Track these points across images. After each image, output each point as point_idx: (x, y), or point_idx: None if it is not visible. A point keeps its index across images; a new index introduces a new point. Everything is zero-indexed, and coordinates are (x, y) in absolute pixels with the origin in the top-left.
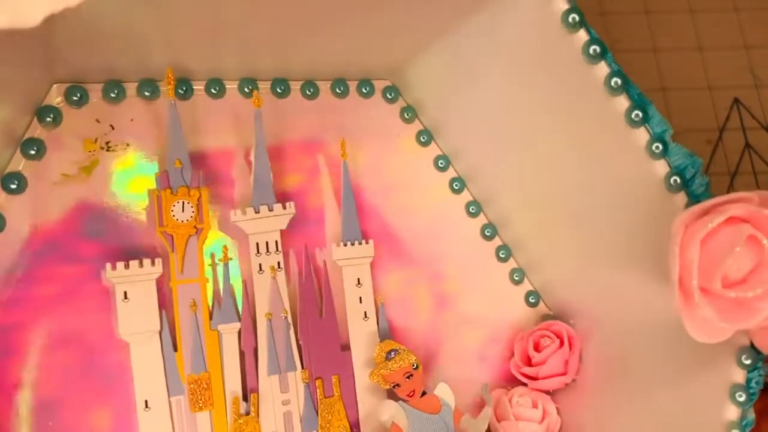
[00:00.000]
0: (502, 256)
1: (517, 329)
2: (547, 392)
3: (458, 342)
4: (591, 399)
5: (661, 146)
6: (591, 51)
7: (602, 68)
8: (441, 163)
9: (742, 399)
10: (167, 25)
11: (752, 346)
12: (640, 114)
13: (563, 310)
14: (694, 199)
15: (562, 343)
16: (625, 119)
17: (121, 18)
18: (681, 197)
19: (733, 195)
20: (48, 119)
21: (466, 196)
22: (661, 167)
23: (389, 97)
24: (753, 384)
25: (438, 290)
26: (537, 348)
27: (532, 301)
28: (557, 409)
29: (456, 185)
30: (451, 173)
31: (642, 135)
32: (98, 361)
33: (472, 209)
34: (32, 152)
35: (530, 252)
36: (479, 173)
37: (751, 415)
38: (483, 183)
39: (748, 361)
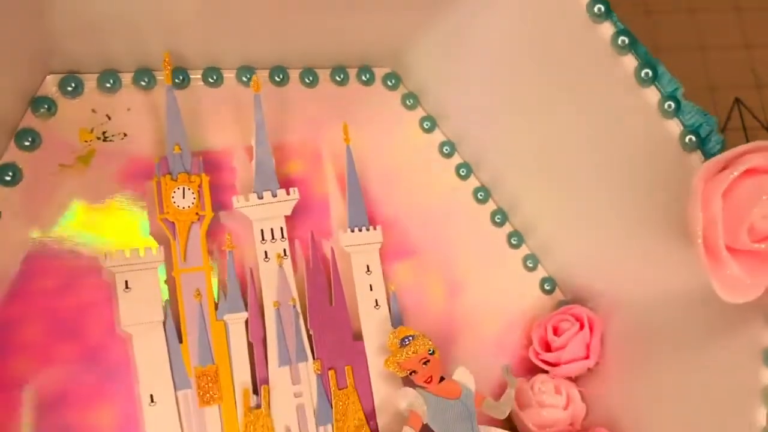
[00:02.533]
0: (514, 242)
1: (533, 317)
2: (570, 378)
3: (474, 330)
4: (617, 382)
5: (673, 104)
6: (595, 10)
7: (607, 28)
8: (446, 149)
9: None
10: (163, 12)
11: None
12: (650, 72)
13: (580, 294)
14: (710, 158)
15: (582, 327)
16: (635, 78)
17: (116, 5)
18: (697, 157)
19: (751, 144)
20: (42, 110)
21: (473, 182)
22: (675, 127)
23: (390, 84)
24: None
25: (450, 278)
26: (556, 332)
27: (548, 288)
28: (581, 394)
29: (462, 171)
30: (456, 159)
31: (653, 94)
32: (100, 355)
33: (481, 195)
34: (27, 143)
35: (542, 236)
36: (485, 158)
37: None
38: (490, 168)
39: None
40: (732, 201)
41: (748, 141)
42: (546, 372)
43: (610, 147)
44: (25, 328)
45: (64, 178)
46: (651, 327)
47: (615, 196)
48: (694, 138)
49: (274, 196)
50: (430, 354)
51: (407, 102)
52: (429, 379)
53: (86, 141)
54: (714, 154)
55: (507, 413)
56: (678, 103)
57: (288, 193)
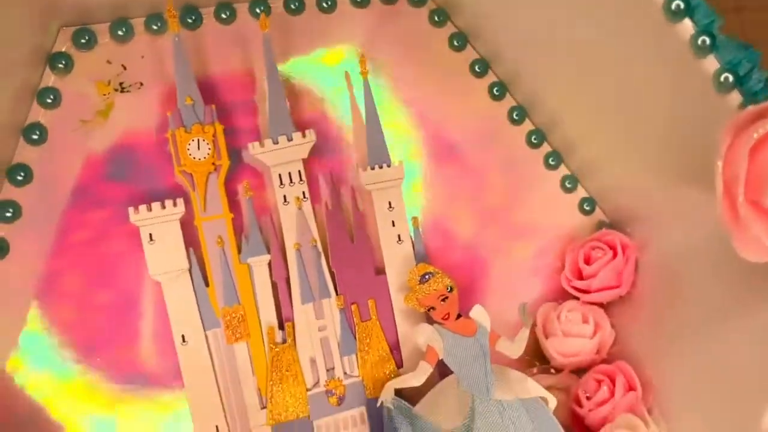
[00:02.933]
0: (552, 163)
1: (572, 239)
2: (601, 305)
3: (506, 258)
4: (646, 312)
5: (708, 40)
6: None
7: None
8: (478, 68)
9: None
10: None
11: None
12: (681, 4)
13: (621, 217)
14: (750, 98)
15: (615, 254)
16: (664, 12)
17: None
18: (735, 97)
19: None
20: (60, 66)
21: (509, 101)
22: (711, 64)
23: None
24: None
25: (483, 205)
26: (588, 261)
27: (587, 208)
28: (611, 323)
29: (497, 91)
30: (491, 77)
31: (687, 28)
32: (134, 300)
33: (516, 115)
34: (49, 101)
35: (582, 156)
36: (521, 76)
37: None
38: (526, 87)
39: None
40: (760, 157)
41: None
42: (577, 299)
43: (651, 81)
44: (67, 278)
45: (86, 132)
46: (684, 264)
47: (651, 131)
48: (731, 77)
49: (290, 140)
50: (449, 291)
51: (435, 18)
52: (446, 316)
53: (105, 94)
54: (755, 93)
55: (520, 353)
56: (713, 37)
57: (304, 136)
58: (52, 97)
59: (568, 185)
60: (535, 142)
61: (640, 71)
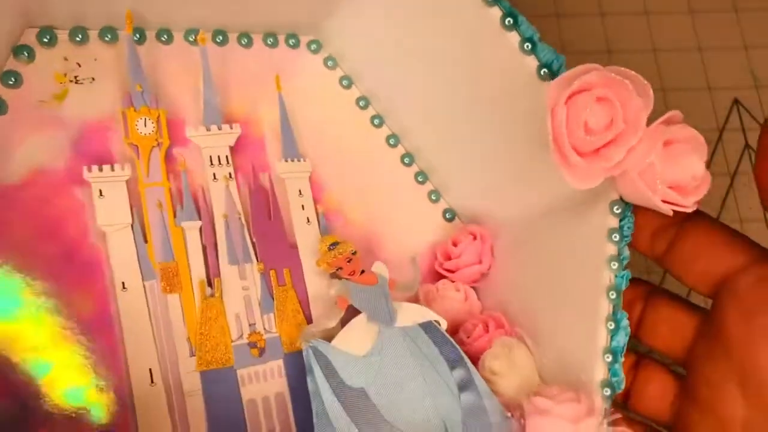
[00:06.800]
0: (420, 180)
1: (438, 241)
2: (467, 282)
3: (388, 254)
4: (504, 281)
5: (530, 45)
6: None
7: None
8: (362, 103)
9: (617, 239)
10: None
11: (621, 198)
12: (511, 20)
13: (474, 218)
14: None
15: (475, 238)
16: (501, 25)
17: None
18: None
19: (585, 66)
20: (22, 56)
21: (385, 131)
22: (532, 62)
23: (313, 48)
24: (625, 228)
25: (366, 211)
26: (455, 244)
27: (449, 216)
28: (476, 292)
29: (376, 121)
30: (371, 111)
31: (514, 37)
32: (78, 251)
33: (392, 141)
34: (11, 82)
35: (442, 173)
36: (395, 110)
37: (627, 252)
38: (398, 118)
39: (618, 210)
40: (572, 109)
41: (746, 141)
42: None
43: (484, 89)
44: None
45: (43, 110)
46: (528, 232)
47: (492, 132)
48: (547, 71)
49: (220, 129)
50: (353, 254)
51: (328, 63)
52: (352, 272)
53: (61, 82)
54: None
55: (415, 290)
56: (534, 44)
57: (231, 128)
58: (13, 79)
59: (433, 198)
60: (407, 162)
61: (477, 84)
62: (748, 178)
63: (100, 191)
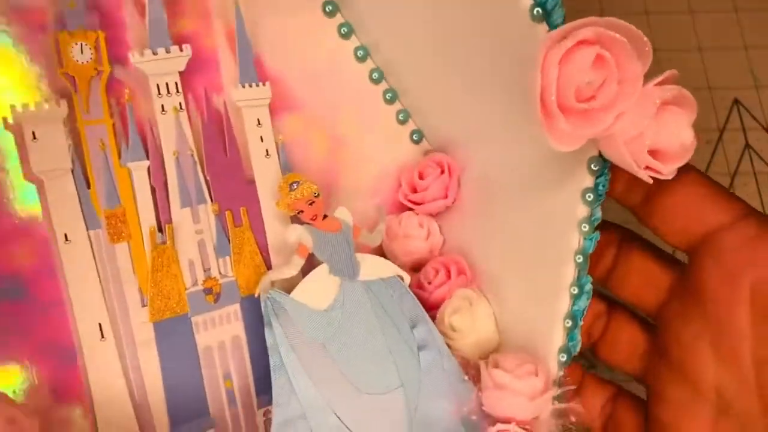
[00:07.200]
0: (389, 98)
1: (404, 164)
2: (432, 215)
3: (353, 179)
4: (469, 218)
5: None
6: None
7: None
8: (329, 8)
9: (591, 199)
10: None
11: (600, 155)
12: None
13: (443, 145)
14: (553, 28)
15: (442, 171)
16: None
17: None
18: (543, 27)
19: (585, 19)
20: None
21: (354, 42)
22: (526, 1)
23: None
24: (600, 187)
25: (333, 133)
26: (421, 177)
27: (416, 138)
28: (440, 227)
29: (344, 30)
30: (339, 19)
31: None
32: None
33: (360, 53)
34: None
35: (414, 93)
36: (366, 21)
37: (599, 213)
38: (369, 30)
39: (596, 168)
40: (566, 67)
41: (747, 141)
42: (412, 210)
43: (474, 22)
44: None
45: None
46: (499, 174)
47: (475, 64)
48: (540, 10)
49: (168, 52)
50: (315, 196)
51: None
52: (314, 217)
53: None
54: (557, 25)
55: (378, 242)
56: None
57: (181, 50)
58: None
59: (401, 118)
60: (375, 78)
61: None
62: (748, 178)
63: (33, 133)
